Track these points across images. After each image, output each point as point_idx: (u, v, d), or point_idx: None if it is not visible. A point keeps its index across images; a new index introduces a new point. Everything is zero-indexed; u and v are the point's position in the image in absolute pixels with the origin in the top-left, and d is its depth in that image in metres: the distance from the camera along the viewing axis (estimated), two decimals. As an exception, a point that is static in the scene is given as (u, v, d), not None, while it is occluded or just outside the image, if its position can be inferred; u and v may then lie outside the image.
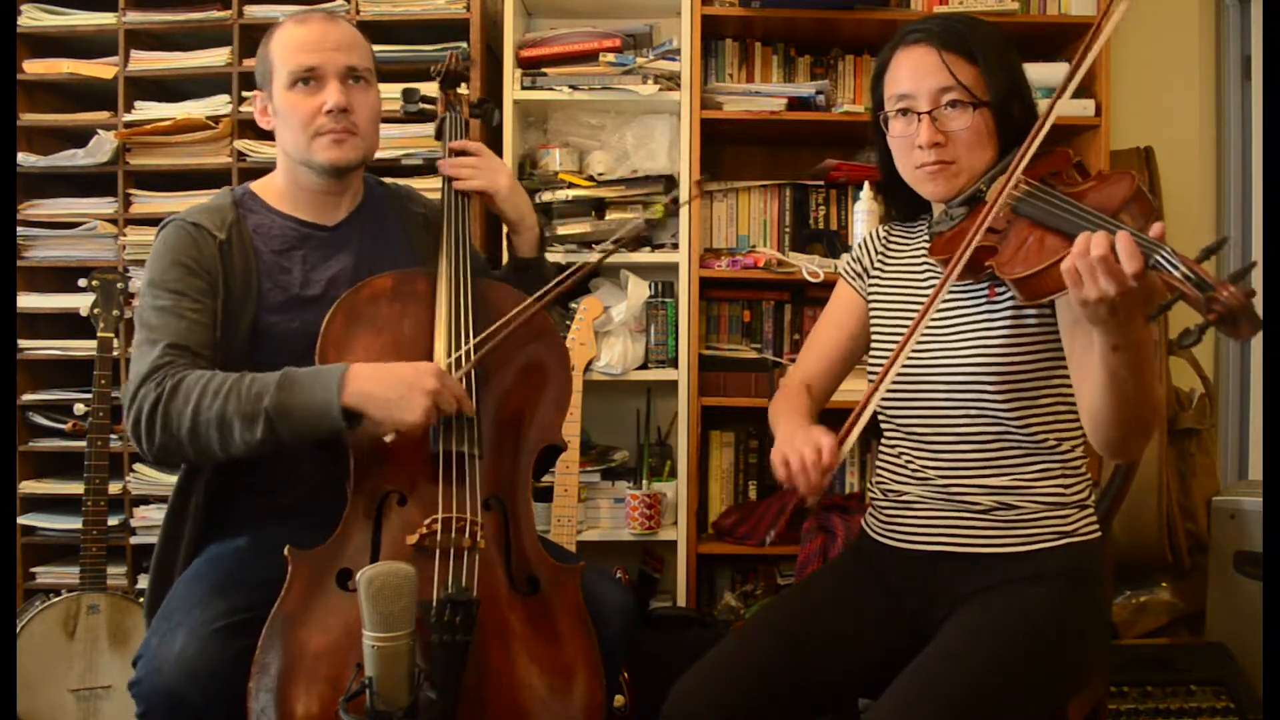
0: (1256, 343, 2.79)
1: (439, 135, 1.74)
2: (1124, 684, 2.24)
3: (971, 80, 1.39)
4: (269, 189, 1.64)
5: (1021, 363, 1.39)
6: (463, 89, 1.81)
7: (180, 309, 1.47)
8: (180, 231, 1.53)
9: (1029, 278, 1.23)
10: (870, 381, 1.57)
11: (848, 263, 1.65)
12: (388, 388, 1.36)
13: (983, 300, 1.42)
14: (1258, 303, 1.02)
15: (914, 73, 1.41)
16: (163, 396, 1.38)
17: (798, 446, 1.33)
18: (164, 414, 1.38)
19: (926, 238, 1.53)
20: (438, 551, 1.37)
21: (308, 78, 1.53)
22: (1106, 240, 1.07)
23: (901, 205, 1.58)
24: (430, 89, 1.79)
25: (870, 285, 1.59)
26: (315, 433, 1.37)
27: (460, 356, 1.46)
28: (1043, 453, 1.41)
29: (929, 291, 1.48)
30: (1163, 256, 1.05)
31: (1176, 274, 1.03)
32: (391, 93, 2.48)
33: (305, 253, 1.60)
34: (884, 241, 1.61)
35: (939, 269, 1.46)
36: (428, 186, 2.48)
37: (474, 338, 1.47)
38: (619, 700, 2.09)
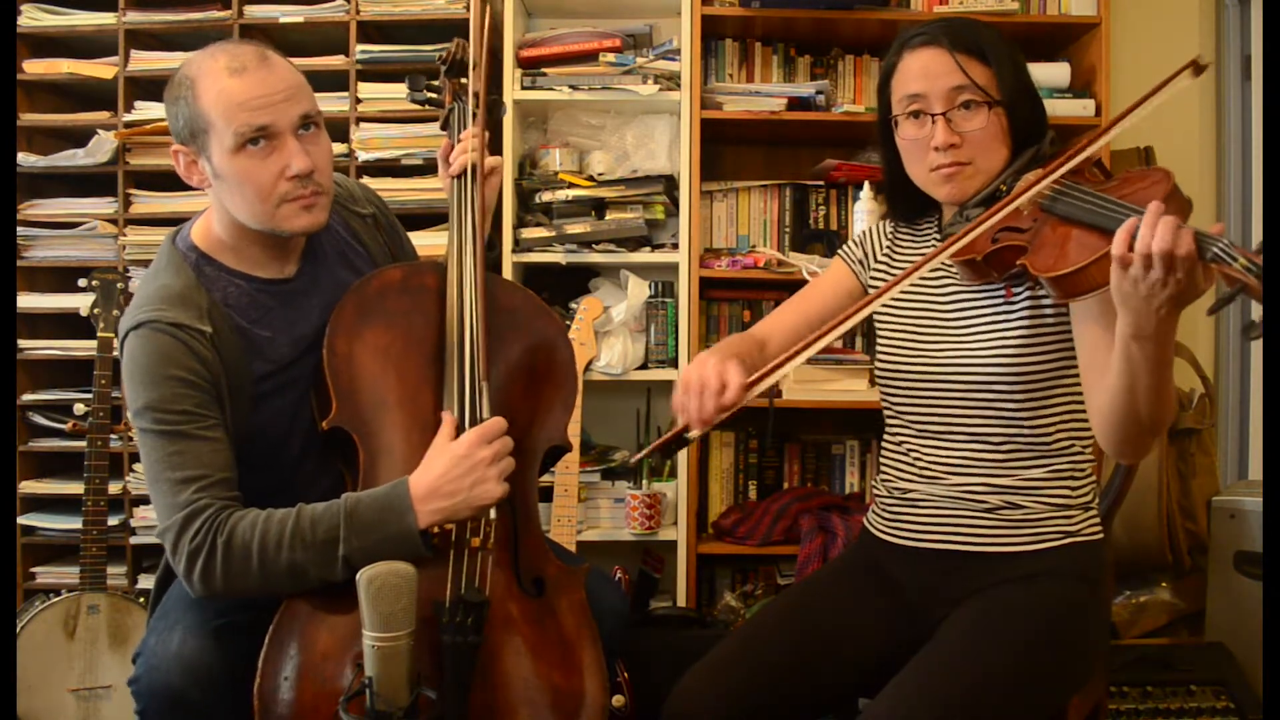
0: (1256, 342, 2.79)
1: (445, 127, 1.67)
2: (1124, 684, 2.23)
3: (985, 80, 1.38)
4: (215, 244, 1.46)
5: (1037, 363, 1.38)
6: (467, 79, 1.71)
7: (193, 431, 1.34)
8: (162, 339, 1.35)
9: (1071, 275, 1.21)
10: (876, 385, 1.57)
11: (848, 248, 1.63)
12: (453, 486, 1.33)
13: (999, 300, 1.41)
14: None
15: (926, 73, 1.40)
16: (216, 551, 1.29)
17: (705, 372, 1.30)
18: (224, 571, 1.30)
19: (937, 239, 1.52)
20: (452, 552, 1.37)
21: (258, 138, 1.35)
22: (1173, 225, 1.06)
23: (905, 208, 1.56)
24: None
25: (872, 279, 1.58)
26: (396, 558, 1.29)
27: (475, 388, 1.42)
28: (1053, 454, 1.41)
29: (944, 294, 1.47)
30: (1221, 248, 1.05)
31: (1236, 265, 1.03)
32: (392, 92, 2.53)
33: (277, 313, 1.48)
34: (890, 238, 1.59)
35: (953, 271, 1.45)
36: (429, 186, 2.50)
37: (482, 345, 1.44)
38: (618, 700, 2.08)
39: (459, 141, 1.60)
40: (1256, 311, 1.04)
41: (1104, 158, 2.50)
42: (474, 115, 1.60)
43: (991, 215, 1.30)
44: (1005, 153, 1.40)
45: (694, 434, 1.31)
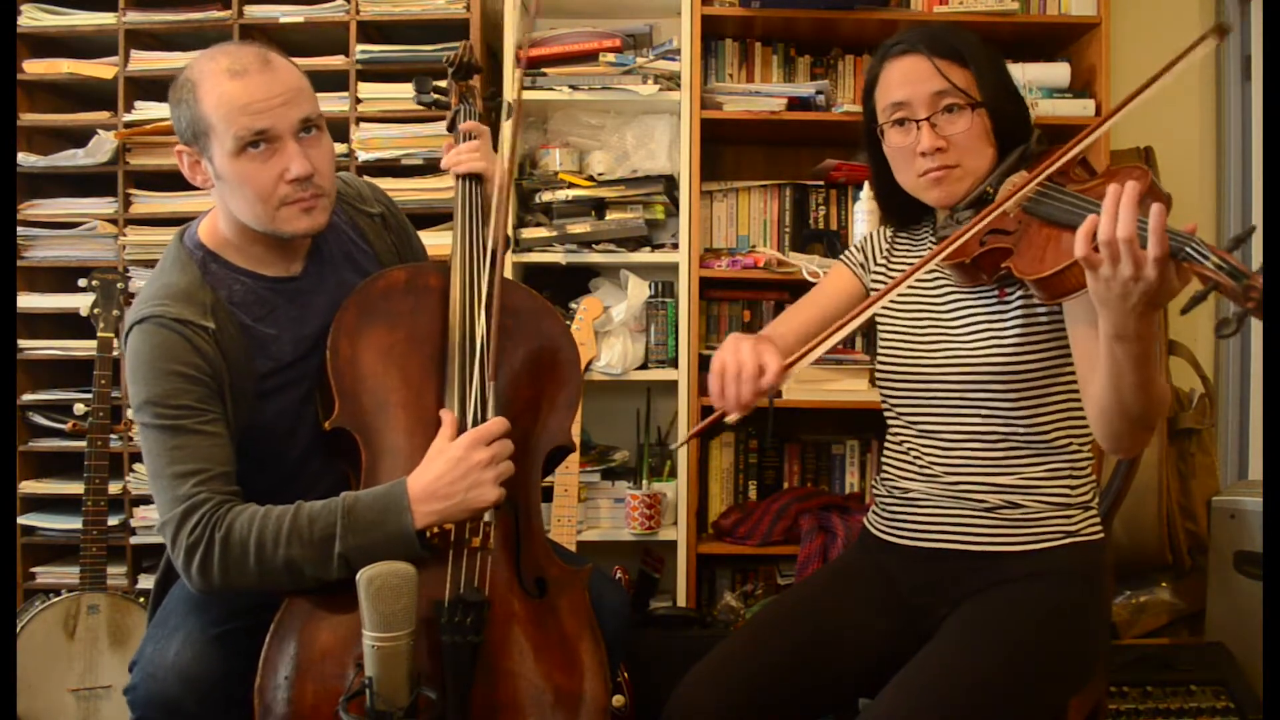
0: (1256, 342, 2.79)
1: (451, 128, 1.69)
2: (1124, 684, 2.23)
3: (965, 82, 1.40)
4: (221, 242, 1.47)
5: (1032, 362, 1.39)
6: (474, 81, 1.74)
7: (193, 426, 1.34)
8: (165, 334, 1.36)
9: (1051, 277, 1.21)
10: (876, 385, 1.57)
11: (849, 253, 1.65)
12: (449, 489, 1.33)
13: (993, 300, 1.42)
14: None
15: (907, 80, 1.42)
16: (214, 546, 1.30)
17: (741, 356, 1.29)
18: (221, 565, 1.30)
19: (932, 242, 1.53)
20: (451, 551, 1.37)
21: (258, 141, 1.36)
22: (1133, 221, 1.06)
23: (899, 214, 1.58)
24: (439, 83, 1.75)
25: (873, 282, 1.59)
26: (392, 558, 1.29)
27: (476, 393, 1.41)
28: (1051, 453, 1.41)
29: (941, 295, 1.48)
30: (1193, 248, 1.05)
31: (1208, 264, 1.03)
32: (392, 92, 2.53)
33: (282, 311, 1.48)
34: (889, 243, 1.61)
35: (946, 274, 1.45)
36: (429, 186, 2.50)
37: (485, 342, 1.44)
38: (618, 700, 2.09)
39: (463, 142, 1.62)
40: (1227, 307, 1.03)
41: (1104, 158, 2.50)
42: (505, 116, 1.60)
43: (979, 221, 1.30)
44: (991, 153, 1.41)
45: (733, 418, 1.30)
